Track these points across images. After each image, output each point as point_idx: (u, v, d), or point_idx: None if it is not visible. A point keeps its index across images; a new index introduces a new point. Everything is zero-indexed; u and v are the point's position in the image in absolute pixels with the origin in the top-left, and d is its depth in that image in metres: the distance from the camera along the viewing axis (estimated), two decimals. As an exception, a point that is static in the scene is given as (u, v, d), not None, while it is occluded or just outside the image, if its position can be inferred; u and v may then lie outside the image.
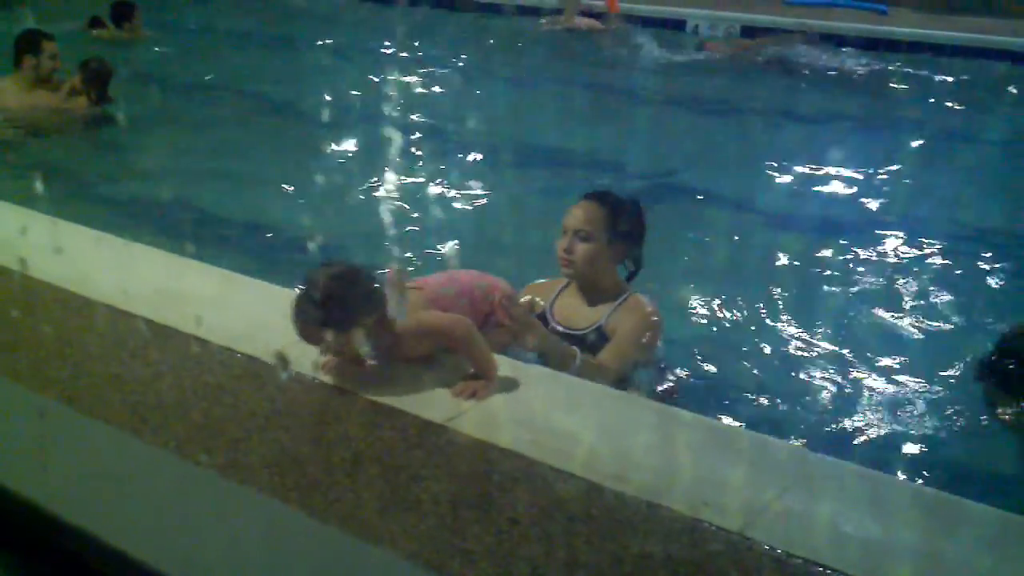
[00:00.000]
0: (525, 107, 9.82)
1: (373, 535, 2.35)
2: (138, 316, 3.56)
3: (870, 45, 12.08)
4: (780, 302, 5.17)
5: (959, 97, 10.45)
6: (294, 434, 2.86)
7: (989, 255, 5.92)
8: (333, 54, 12.21)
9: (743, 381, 4.35)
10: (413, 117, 9.11)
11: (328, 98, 9.88)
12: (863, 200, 7.02)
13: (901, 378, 4.42)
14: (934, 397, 4.25)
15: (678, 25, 13.63)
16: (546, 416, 3.00)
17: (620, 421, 3.02)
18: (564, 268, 3.89)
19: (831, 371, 4.47)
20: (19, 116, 7.96)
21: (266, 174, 7.31)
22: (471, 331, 3.19)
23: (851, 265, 5.76)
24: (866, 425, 4.03)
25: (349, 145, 8.17)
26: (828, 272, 5.69)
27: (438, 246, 5.74)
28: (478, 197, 6.84)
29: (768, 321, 5.00)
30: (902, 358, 4.60)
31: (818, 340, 4.77)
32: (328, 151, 7.92)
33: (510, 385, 3.16)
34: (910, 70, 11.47)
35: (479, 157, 7.78)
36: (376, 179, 7.13)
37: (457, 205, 6.73)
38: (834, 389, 4.34)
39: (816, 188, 7.30)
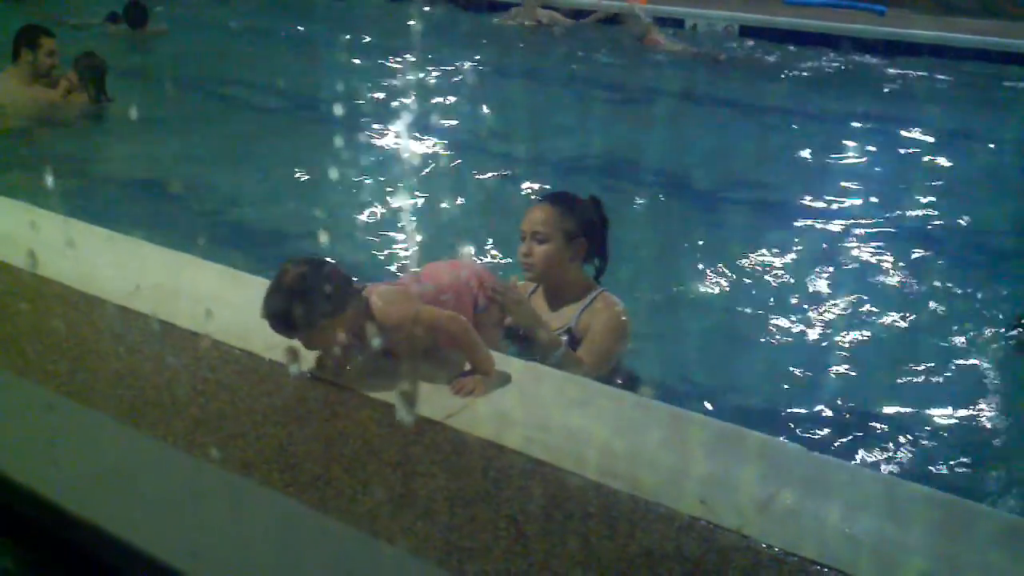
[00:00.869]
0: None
1: (372, 530, 2.37)
2: (139, 312, 3.58)
3: (867, 47, 12.12)
4: (776, 297, 5.19)
5: (959, 96, 10.49)
6: (291, 430, 2.88)
7: (988, 256, 5.94)
8: (324, 50, 12.25)
9: (746, 379, 4.36)
10: (401, 115, 9.13)
11: (303, 93, 9.90)
12: (864, 200, 7.03)
13: (904, 378, 4.43)
14: (939, 398, 4.25)
15: (676, 23, 13.65)
16: (544, 414, 3.01)
17: (619, 419, 3.03)
18: (526, 272, 3.91)
19: (832, 370, 4.48)
20: (12, 111, 7.94)
21: (265, 171, 7.32)
22: (466, 327, 3.20)
23: (847, 262, 5.78)
24: (868, 425, 4.04)
25: (319, 139, 8.20)
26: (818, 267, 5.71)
27: (415, 240, 5.78)
28: (454, 190, 6.87)
29: (768, 320, 5.00)
30: (906, 358, 4.61)
31: (819, 339, 4.78)
32: (296, 145, 7.95)
33: (507, 382, 3.18)
34: (905, 70, 11.50)
35: (452, 154, 7.81)
36: (353, 175, 7.13)
37: (423, 201, 6.75)
38: (835, 388, 4.34)
39: (823, 183, 7.31)
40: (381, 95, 9.81)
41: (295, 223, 6.17)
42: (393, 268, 5.37)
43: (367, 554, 1.24)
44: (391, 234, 5.99)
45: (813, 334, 4.82)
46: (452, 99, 9.77)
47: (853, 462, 3.62)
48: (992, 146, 8.75)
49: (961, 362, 4.54)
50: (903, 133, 8.92)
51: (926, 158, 8.06)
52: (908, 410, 4.15)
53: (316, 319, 3.00)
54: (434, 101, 9.70)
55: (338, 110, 9.04)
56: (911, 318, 5.04)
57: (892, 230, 6.36)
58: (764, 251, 5.85)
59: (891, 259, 5.84)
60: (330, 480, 2.61)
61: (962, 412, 4.13)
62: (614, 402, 3.18)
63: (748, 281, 5.44)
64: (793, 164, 7.99)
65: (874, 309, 5.13)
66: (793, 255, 5.86)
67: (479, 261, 3.77)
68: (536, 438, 2.83)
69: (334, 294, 3.04)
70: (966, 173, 7.87)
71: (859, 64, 11.81)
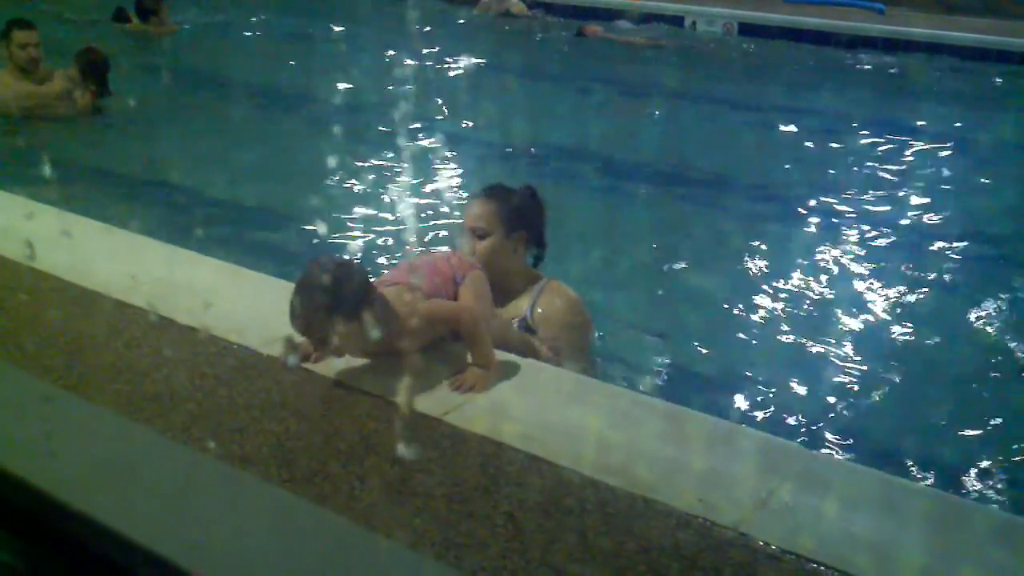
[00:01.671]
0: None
1: (370, 525, 2.37)
2: (137, 307, 3.58)
3: (865, 44, 12.11)
4: (781, 295, 5.19)
5: (957, 95, 10.49)
6: (289, 425, 2.88)
7: (986, 253, 5.95)
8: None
9: (743, 376, 4.37)
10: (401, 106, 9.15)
11: (283, 86, 9.93)
12: (861, 198, 7.04)
13: (901, 375, 4.43)
14: (937, 395, 4.26)
15: (676, 20, 13.66)
16: (542, 410, 3.01)
17: (616, 415, 3.03)
18: None
19: (830, 367, 4.49)
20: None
21: (265, 166, 7.32)
22: (477, 318, 3.19)
23: (844, 262, 5.78)
24: (865, 423, 4.05)
25: (300, 132, 8.23)
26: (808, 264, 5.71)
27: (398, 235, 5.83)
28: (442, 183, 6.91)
29: (765, 317, 5.02)
30: (904, 354, 4.62)
31: (816, 336, 4.78)
32: (280, 137, 7.98)
33: (506, 377, 3.18)
34: (904, 68, 11.50)
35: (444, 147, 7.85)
36: (337, 168, 7.15)
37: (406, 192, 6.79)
38: (833, 385, 4.35)
39: (820, 181, 7.32)
40: (374, 90, 9.83)
41: (286, 214, 6.18)
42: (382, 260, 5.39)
43: (364, 548, 1.24)
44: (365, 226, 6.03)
45: (811, 331, 4.82)
46: (417, 87, 9.86)
47: (850, 459, 3.62)
48: (991, 144, 8.75)
49: (959, 359, 4.55)
50: (901, 131, 8.92)
51: (923, 156, 8.07)
52: (905, 407, 4.16)
53: (344, 317, 2.97)
54: (406, 91, 9.77)
55: (329, 105, 9.06)
56: (909, 316, 5.04)
57: (890, 228, 6.37)
58: (761, 248, 5.86)
59: (888, 257, 5.85)
60: (327, 475, 2.61)
61: (960, 410, 4.14)
62: (611, 398, 3.18)
63: (745, 278, 5.44)
64: (789, 161, 8.00)
65: (871, 306, 5.14)
66: (790, 253, 5.88)
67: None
68: (533, 434, 2.83)
69: (360, 293, 3.03)
70: (964, 171, 7.88)
71: (857, 62, 11.81)
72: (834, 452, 3.70)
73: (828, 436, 3.90)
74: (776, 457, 2.86)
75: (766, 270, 5.54)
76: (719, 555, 2.35)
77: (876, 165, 7.80)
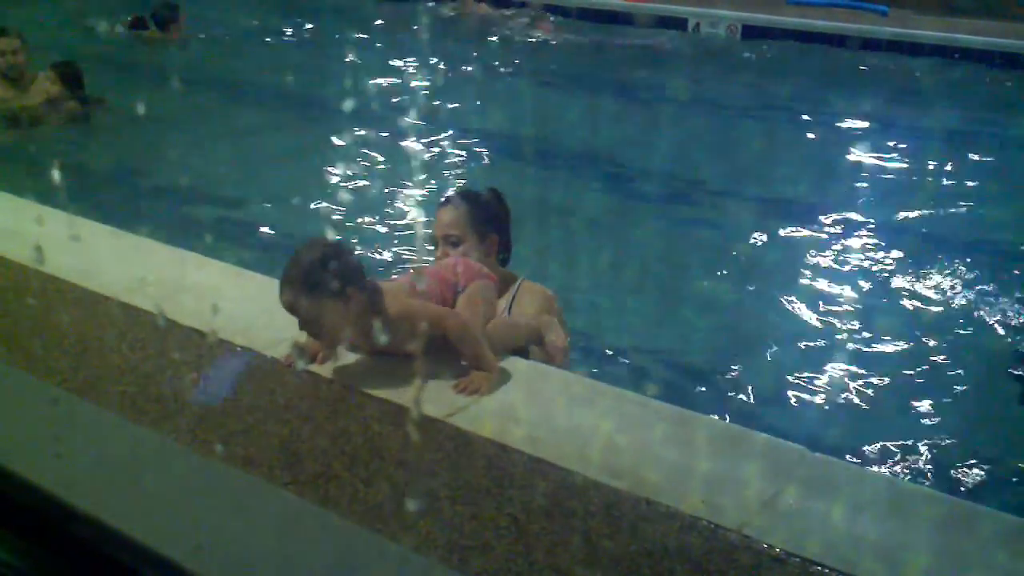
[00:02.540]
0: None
1: (374, 527, 2.37)
2: (142, 308, 3.58)
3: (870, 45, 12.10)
4: (785, 302, 5.19)
5: (962, 96, 10.47)
6: (293, 427, 2.88)
7: (991, 257, 5.94)
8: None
9: (748, 378, 4.36)
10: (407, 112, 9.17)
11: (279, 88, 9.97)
12: (865, 201, 7.04)
13: (907, 379, 4.43)
14: (942, 399, 4.25)
15: (680, 23, 13.65)
16: (547, 411, 3.01)
17: (622, 417, 3.03)
18: None
19: (835, 370, 4.48)
20: None
21: (266, 168, 7.34)
22: (464, 324, 3.19)
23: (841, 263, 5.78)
24: (871, 425, 4.04)
25: (298, 134, 8.25)
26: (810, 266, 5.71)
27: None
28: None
29: (771, 320, 5.01)
30: (910, 358, 4.61)
31: (822, 339, 4.78)
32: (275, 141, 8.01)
33: (510, 379, 3.18)
34: (908, 70, 11.49)
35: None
36: (334, 168, 7.17)
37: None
38: (838, 388, 4.34)
39: (825, 183, 7.32)
40: (381, 92, 9.84)
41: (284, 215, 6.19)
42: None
43: (369, 550, 1.24)
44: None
45: (816, 334, 4.82)
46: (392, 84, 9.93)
47: (856, 462, 3.62)
48: (996, 146, 8.74)
49: (965, 363, 4.53)
50: (905, 133, 8.92)
51: (928, 158, 8.06)
52: (911, 410, 4.15)
53: (330, 296, 2.99)
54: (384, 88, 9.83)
55: (338, 108, 9.07)
56: (916, 320, 5.04)
57: (895, 231, 6.37)
58: (765, 252, 5.86)
59: (894, 262, 5.84)
60: (332, 477, 2.61)
61: (966, 412, 4.13)
62: (616, 400, 3.18)
63: (749, 282, 5.44)
64: (793, 163, 7.99)
65: (878, 310, 5.14)
66: (795, 256, 5.87)
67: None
68: (538, 436, 2.83)
69: (349, 274, 3.05)
70: (969, 173, 7.86)
71: (861, 64, 11.79)
72: (839, 455, 3.69)
73: (833, 439, 3.89)
74: (781, 460, 2.86)
75: (770, 274, 5.54)
76: (724, 558, 2.34)
77: (880, 168, 7.79)
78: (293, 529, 1.10)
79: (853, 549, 2.40)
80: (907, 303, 5.25)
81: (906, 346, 4.80)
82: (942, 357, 4.65)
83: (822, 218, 6.55)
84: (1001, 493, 3.49)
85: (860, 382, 4.40)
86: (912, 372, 4.50)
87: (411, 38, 12.60)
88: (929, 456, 3.85)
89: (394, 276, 3.54)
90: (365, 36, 12.60)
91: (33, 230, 4.15)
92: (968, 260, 5.87)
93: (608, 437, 2.88)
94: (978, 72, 11.45)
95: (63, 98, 8.07)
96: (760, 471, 2.75)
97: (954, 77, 11.32)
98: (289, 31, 13.12)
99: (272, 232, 6.14)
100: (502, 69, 11.48)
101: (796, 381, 4.39)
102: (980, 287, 5.43)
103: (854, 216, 6.64)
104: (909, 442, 3.93)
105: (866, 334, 4.88)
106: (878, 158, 8.06)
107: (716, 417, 3.22)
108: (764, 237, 6.20)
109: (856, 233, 6.28)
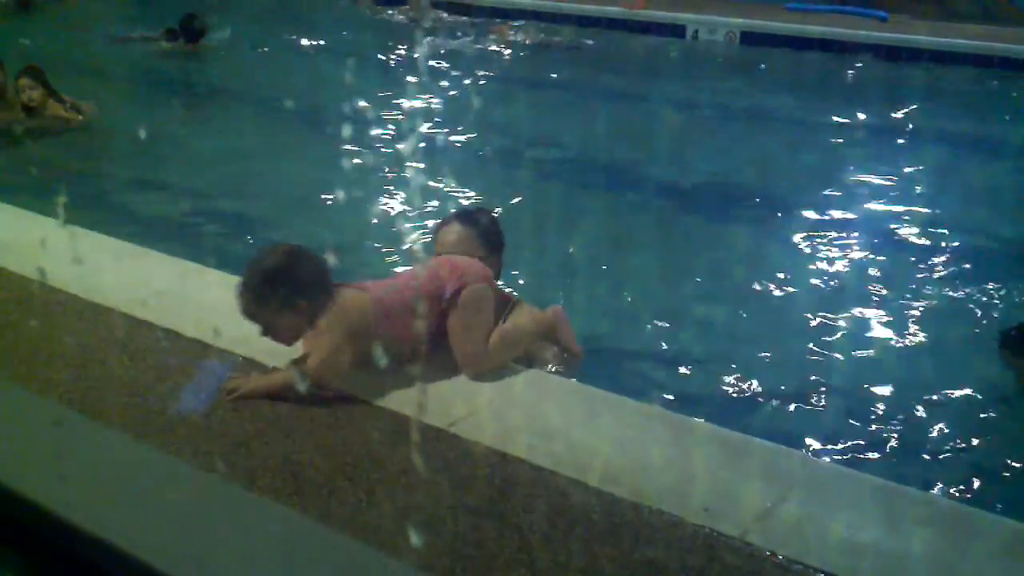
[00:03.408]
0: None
1: (376, 539, 2.37)
2: (144, 321, 3.59)
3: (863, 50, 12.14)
4: (777, 304, 5.19)
5: (960, 102, 10.49)
6: (295, 439, 2.88)
7: (990, 263, 5.93)
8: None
9: (749, 386, 4.36)
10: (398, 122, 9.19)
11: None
12: (864, 207, 7.04)
13: (908, 386, 4.41)
14: (943, 407, 4.24)
15: (678, 31, 13.67)
16: (547, 422, 3.01)
17: (623, 426, 3.03)
18: None
19: (836, 378, 4.48)
20: None
21: (267, 177, 7.35)
22: (319, 375, 3.10)
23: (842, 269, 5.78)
24: (871, 434, 4.03)
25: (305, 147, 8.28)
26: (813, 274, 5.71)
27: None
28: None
29: (771, 329, 5.01)
30: (910, 366, 4.60)
31: (822, 348, 4.77)
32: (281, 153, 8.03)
33: (512, 389, 3.18)
34: (907, 75, 11.51)
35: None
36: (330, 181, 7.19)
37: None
38: (839, 397, 4.34)
39: (823, 189, 7.32)
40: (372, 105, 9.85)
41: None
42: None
43: (370, 563, 1.24)
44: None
45: (816, 343, 4.81)
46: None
47: (857, 470, 3.61)
48: (993, 151, 8.75)
49: (966, 371, 4.53)
50: (903, 137, 8.93)
51: (926, 164, 8.06)
52: (912, 418, 4.14)
53: (280, 306, 3.03)
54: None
55: (339, 117, 9.07)
56: (916, 326, 5.03)
57: (893, 237, 6.37)
58: (764, 258, 5.86)
59: (893, 267, 5.84)
60: (334, 489, 2.62)
61: (968, 421, 4.12)
62: (618, 410, 3.18)
63: (748, 288, 5.44)
64: (792, 169, 8.00)
65: (878, 316, 5.13)
66: (792, 262, 5.87)
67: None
68: (539, 445, 2.84)
69: (308, 284, 3.08)
70: (967, 179, 7.87)
71: (860, 70, 11.81)
72: (840, 462, 3.69)
73: (834, 446, 3.89)
74: (783, 468, 2.86)
75: (769, 280, 5.53)
76: (726, 566, 2.35)
77: (879, 172, 7.79)
78: (296, 546, 1.10)
79: (854, 555, 2.40)
80: (909, 309, 5.24)
81: (908, 353, 4.80)
82: (947, 364, 4.65)
83: (821, 224, 6.55)
84: (1003, 498, 3.49)
85: (862, 388, 4.40)
86: (914, 379, 4.49)
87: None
88: (931, 462, 3.84)
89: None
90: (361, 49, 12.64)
91: (32, 242, 4.16)
92: (969, 265, 5.87)
93: (609, 446, 2.88)
94: (977, 76, 11.47)
95: (45, 101, 8.01)
96: (762, 479, 2.75)
97: (953, 81, 11.33)
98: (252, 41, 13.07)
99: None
100: (500, 77, 11.52)
101: (798, 388, 4.38)
102: (983, 292, 5.43)
103: (854, 221, 6.64)
104: (911, 448, 3.93)
105: (868, 339, 4.88)
106: (877, 162, 8.06)
107: (717, 425, 3.21)
108: (762, 243, 6.20)
109: (856, 239, 6.27)
